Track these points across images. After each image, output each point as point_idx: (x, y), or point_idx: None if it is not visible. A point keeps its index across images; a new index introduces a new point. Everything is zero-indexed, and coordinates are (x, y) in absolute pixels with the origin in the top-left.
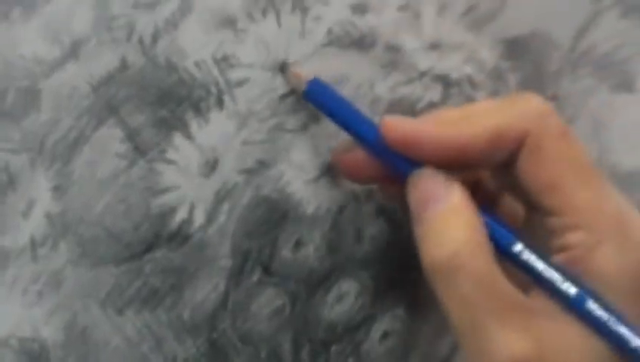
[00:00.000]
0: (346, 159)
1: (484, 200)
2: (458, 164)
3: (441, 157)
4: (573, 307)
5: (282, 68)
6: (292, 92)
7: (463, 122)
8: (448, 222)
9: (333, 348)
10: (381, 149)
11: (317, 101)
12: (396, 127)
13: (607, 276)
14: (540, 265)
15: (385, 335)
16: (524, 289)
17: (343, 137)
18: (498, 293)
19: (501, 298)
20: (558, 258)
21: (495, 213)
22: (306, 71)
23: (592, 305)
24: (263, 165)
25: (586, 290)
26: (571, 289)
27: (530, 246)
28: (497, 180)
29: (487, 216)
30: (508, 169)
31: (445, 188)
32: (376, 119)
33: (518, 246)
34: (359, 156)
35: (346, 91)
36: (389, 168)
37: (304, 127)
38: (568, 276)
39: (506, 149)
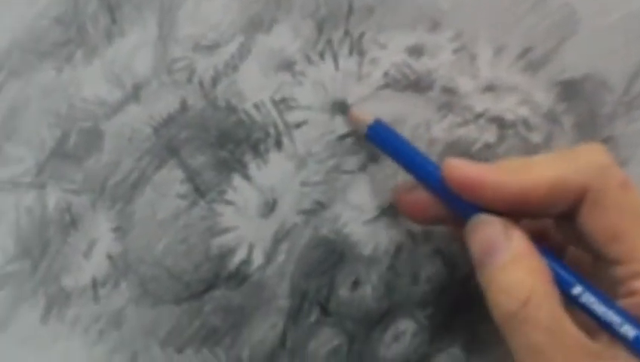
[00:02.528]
0: (407, 199)
1: (551, 249)
2: (518, 212)
3: (501, 203)
4: (635, 349)
5: (343, 109)
6: (350, 133)
7: (524, 170)
8: (513, 271)
9: None
10: (442, 190)
11: (379, 142)
12: (459, 169)
13: None
14: (599, 308)
15: None
16: (591, 330)
17: (402, 178)
18: (566, 341)
19: (570, 344)
20: (624, 303)
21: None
22: (367, 112)
23: None
24: (321, 206)
25: None
26: (630, 332)
27: (590, 288)
28: (561, 230)
29: (550, 258)
30: (570, 219)
31: (505, 235)
32: (433, 160)
33: (578, 289)
34: (420, 196)
35: (403, 133)
36: (449, 209)
37: (362, 168)
38: (629, 319)
39: (566, 200)
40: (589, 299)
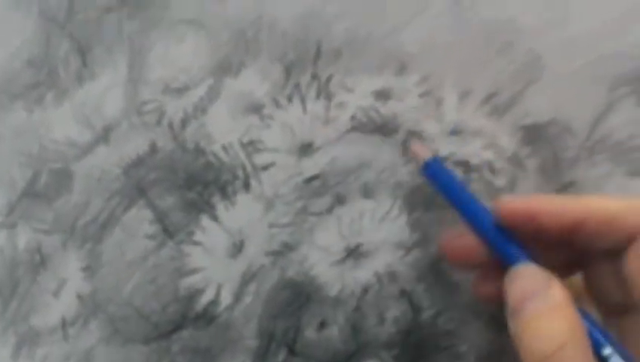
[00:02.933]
0: (454, 245)
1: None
2: (569, 244)
3: (554, 233)
4: None
5: (404, 142)
6: (317, 176)
7: (578, 201)
8: (551, 318)
9: None
10: (492, 234)
11: (434, 178)
12: (515, 200)
13: None
14: None
15: None
16: None
17: (367, 222)
18: None
19: None
20: None
21: None
22: (427, 147)
23: None
24: (288, 247)
25: None
26: None
27: (621, 351)
28: (591, 280)
29: (583, 313)
30: (611, 262)
31: (545, 283)
32: (397, 204)
33: (607, 350)
34: (466, 242)
35: (369, 176)
36: (493, 254)
37: (329, 210)
38: None
39: (617, 236)
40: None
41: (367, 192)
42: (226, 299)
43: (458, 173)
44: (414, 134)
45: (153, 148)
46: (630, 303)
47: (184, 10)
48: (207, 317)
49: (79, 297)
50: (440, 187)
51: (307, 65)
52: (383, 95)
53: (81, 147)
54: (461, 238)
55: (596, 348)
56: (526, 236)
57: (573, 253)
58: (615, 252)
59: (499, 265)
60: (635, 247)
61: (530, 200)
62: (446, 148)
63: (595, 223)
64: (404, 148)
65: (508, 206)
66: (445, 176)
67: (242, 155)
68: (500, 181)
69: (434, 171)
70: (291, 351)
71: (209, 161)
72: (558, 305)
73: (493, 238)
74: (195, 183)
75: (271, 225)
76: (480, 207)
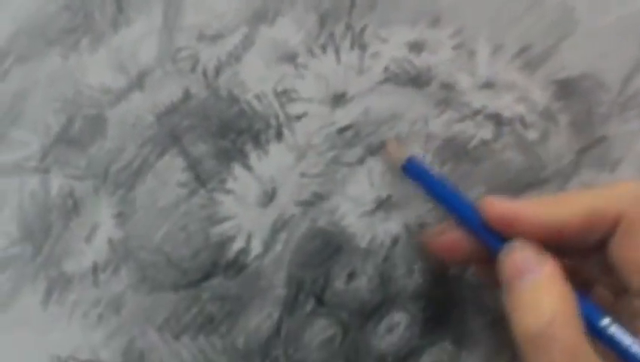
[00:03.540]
0: (440, 241)
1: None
2: (554, 244)
3: (538, 235)
4: None
5: (380, 145)
6: (349, 126)
7: (560, 203)
8: (542, 292)
9: None
10: (479, 228)
11: (415, 176)
12: (496, 205)
13: None
14: (626, 340)
15: None
16: None
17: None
18: None
19: None
20: None
21: None
22: (403, 147)
23: None
24: (319, 197)
25: None
26: None
27: (617, 322)
28: (588, 267)
29: (576, 291)
30: (600, 253)
31: (538, 258)
32: (429, 156)
33: (606, 321)
34: (452, 237)
35: (401, 127)
36: (482, 247)
37: (360, 161)
38: None
39: (600, 230)
40: (618, 331)
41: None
42: (256, 247)
43: (489, 126)
44: (447, 87)
45: (187, 96)
46: (618, 290)
47: None
48: (237, 265)
49: (111, 243)
50: (423, 184)
51: (342, 15)
52: (416, 47)
53: (116, 93)
54: (446, 234)
55: (591, 324)
56: (511, 237)
57: (559, 249)
58: (600, 243)
59: (488, 258)
60: (618, 237)
61: (512, 206)
62: (478, 101)
63: (575, 225)
64: (381, 151)
65: (490, 210)
66: (426, 174)
67: (275, 104)
68: (532, 135)
69: (414, 169)
70: (319, 301)
71: (242, 109)
72: (549, 281)
73: (481, 232)
74: (228, 131)
75: (302, 175)
76: (465, 201)
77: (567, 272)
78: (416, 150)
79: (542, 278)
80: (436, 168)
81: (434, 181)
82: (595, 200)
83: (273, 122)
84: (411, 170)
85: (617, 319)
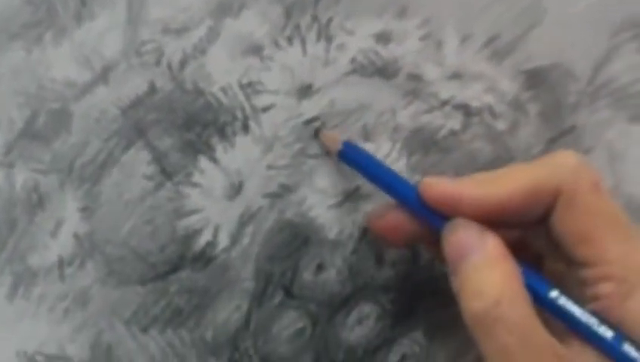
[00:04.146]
0: (382, 223)
1: (527, 260)
2: (496, 222)
3: (479, 215)
4: (610, 350)
5: (315, 132)
6: (316, 118)
7: (499, 180)
8: (485, 273)
9: None
10: (420, 208)
11: (352, 162)
12: (435, 186)
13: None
14: (576, 311)
15: (403, 358)
16: (561, 338)
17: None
18: (537, 343)
19: (540, 348)
20: (591, 307)
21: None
22: (337, 133)
23: (629, 348)
24: (286, 189)
25: (622, 334)
26: (608, 333)
27: (565, 293)
28: (536, 240)
29: (523, 265)
30: (544, 225)
31: (479, 238)
32: (397, 147)
33: (554, 293)
34: (394, 218)
35: (368, 119)
36: (426, 226)
37: (327, 153)
38: (604, 321)
39: (541, 204)
40: (566, 303)
41: (367, 135)
42: (223, 240)
43: (458, 117)
44: (414, 78)
45: (152, 89)
46: (567, 262)
47: None
48: (204, 258)
49: (76, 237)
50: (361, 169)
51: (307, 7)
52: (383, 38)
53: (80, 87)
54: (388, 216)
55: (539, 297)
56: (453, 216)
57: (503, 226)
58: (543, 217)
59: (434, 238)
60: (558, 210)
61: (451, 186)
62: (446, 91)
63: (515, 202)
64: (317, 138)
65: (429, 191)
66: (364, 158)
67: (241, 97)
68: (501, 125)
69: (350, 155)
70: (288, 293)
71: (208, 101)
72: (493, 260)
73: (423, 212)
74: (194, 124)
75: (269, 167)
76: (406, 184)
77: (514, 248)
78: (384, 141)
79: (484, 258)
80: (406, 158)
81: (371, 164)
82: (534, 174)
83: (239, 115)
84: (348, 156)
85: (568, 290)
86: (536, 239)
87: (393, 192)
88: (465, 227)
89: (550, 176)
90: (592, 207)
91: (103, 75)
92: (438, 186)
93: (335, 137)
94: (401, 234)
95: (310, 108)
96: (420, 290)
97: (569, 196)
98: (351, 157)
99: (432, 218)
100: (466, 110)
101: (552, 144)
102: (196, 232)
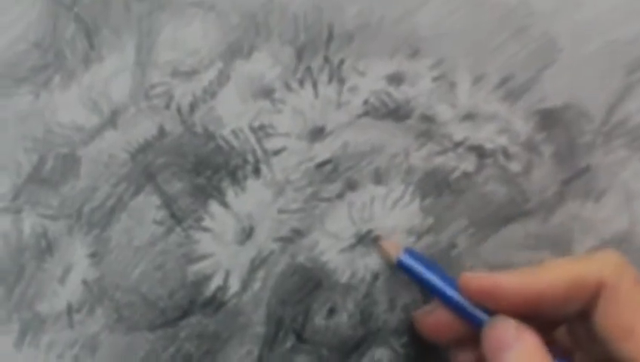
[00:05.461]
0: (427, 321)
1: (562, 356)
2: (535, 315)
3: (520, 306)
4: None
5: (374, 240)
6: (328, 161)
7: (540, 273)
8: None
9: None
10: (458, 305)
11: (409, 270)
12: (474, 279)
13: None
14: None
15: None
16: None
17: (378, 210)
18: None
19: None
20: None
21: None
22: (396, 243)
23: None
24: (298, 233)
25: None
26: None
27: None
28: (572, 336)
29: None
30: (584, 320)
31: (517, 334)
32: (410, 189)
33: None
34: (440, 317)
35: (381, 161)
36: (471, 327)
37: (340, 196)
38: None
39: (582, 299)
40: None
41: (379, 178)
42: (234, 285)
43: (471, 158)
44: (427, 119)
45: (161, 133)
46: (599, 358)
47: None
48: (215, 303)
49: (85, 283)
50: (417, 277)
51: (319, 49)
52: (395, 79)
53: (88, 131)
54: (434, 315)
55: None
56: (492, 311)
57: (542, 319)
58: (582, 312)
59: (475, 337)
60: (601, 305)
61: (489, 280)
62: (459, 133)
63: (556, 294)
64: (375, 246)
65: (468, 286)
66: (423, 265)
67: (252, 140)
68: (515, 166)
69: (410, 263)
70: (300, 338)
71: (219, 145)
72: (529, 355)
73: (463, 307)
74: (204, 168)
75: (281, 211)
76: (452, 281)
77: (548, 342)
78: (397, 184)
79: (522, 353)
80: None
81: (427, 273)
82: (574, 269)
83: (250, 158)
84: (407, 265)
85: None
86: (572, 335)
87: (443, 296)
88: (502, 323)
89: (593, 270)
90: (636, 301)
91: (112, 119)
92: (477, 280)
93: (394, 247)
94: (446, 334)
95: (322, 151)
96: None
97: (613, 290)
98: (409, 266)
99: (473, 316)
100: (479, 152)
101: (566, 185)
102: (207, 277)
